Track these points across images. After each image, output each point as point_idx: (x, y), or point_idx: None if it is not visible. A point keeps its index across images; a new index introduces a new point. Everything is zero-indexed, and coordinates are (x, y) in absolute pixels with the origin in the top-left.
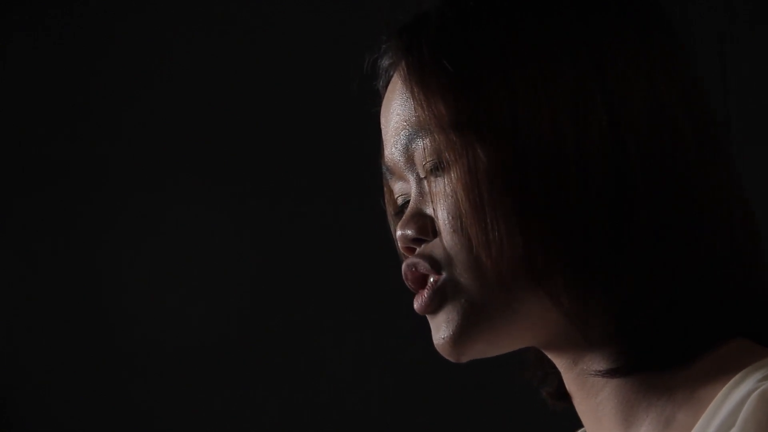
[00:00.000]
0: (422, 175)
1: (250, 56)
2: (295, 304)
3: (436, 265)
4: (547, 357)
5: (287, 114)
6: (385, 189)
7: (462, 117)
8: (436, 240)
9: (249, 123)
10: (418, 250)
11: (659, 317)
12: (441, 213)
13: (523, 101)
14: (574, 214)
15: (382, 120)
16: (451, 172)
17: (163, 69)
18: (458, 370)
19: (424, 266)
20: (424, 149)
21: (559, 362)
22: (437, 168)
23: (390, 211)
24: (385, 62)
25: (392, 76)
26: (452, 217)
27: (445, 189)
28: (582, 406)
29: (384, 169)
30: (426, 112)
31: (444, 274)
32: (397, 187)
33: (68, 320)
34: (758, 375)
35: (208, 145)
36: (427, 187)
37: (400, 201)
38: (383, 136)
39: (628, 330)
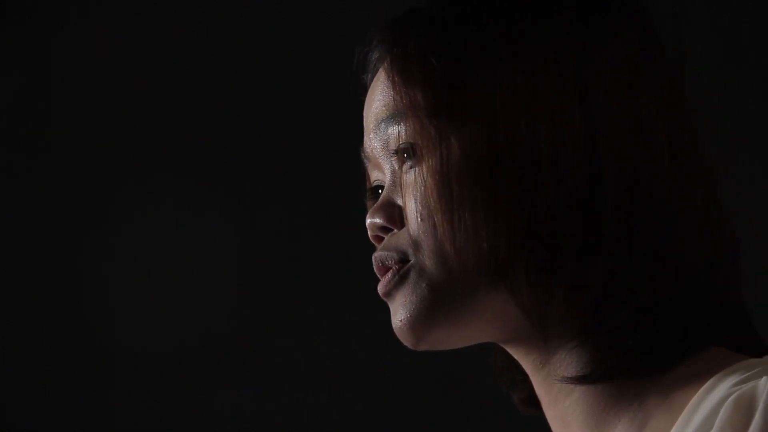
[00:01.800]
0: (396, 166)
1: (250, 56)
2: (295, 304)
3: (404, 257)
4: (518, 363)
5: (288, 112)
6: (366, 178)
7: (439, 106)
8: (404, 230)
9: (248, 122)
10: (385, 239)
11: (628, 325)
12: (410, 202)
13: (503, 98)
14: (542, 213)
15: (365, 110)
16: (423, 162)
17: (158, 67)
18: (458, 371)
19: (392, 259)
20: (399, 134)
21: (526, 364)
22: (410, 157)
23: (367, 196)
24: (373, 56)
25: (379, 69)
26: (420, 206)
27: (415, 178)
28: (550, 411)
29: (363, 157)
30: (404, 100)
31: (411, 260)
32: (374, 176)
33: (62, 322)
34: (731, 380)
35: (207, 143)
36: (399, 177)
37: (373, 185)
38: (364, 125)
39: (595, 336)
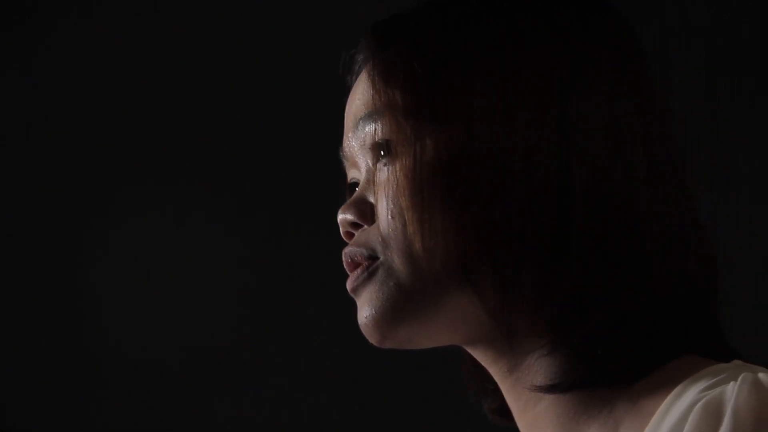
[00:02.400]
0: (371, 163)
1: (251, 56)
2: (295, 304)
3: (373, 254)
4: (488, 372)
5: (288, 112)
6: (344, 172)
7: (417, 107)
8: (374, 227)
9: (248, 122)
10: (355, 235)
11: (596, 335)
12: (381, 199)
13: (480, 104)
14: (511, 219)
15: (346, 110)
16: (397, 161)
17: (158, 67)
18: (458, 371)
19: (362, 255)
20: (375, 131)
21: (494, 371)
22: (385, 155)
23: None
24: (359, 57)
25: (363, 70)
26: (392, 204)
27: (388, 176)
28: (521, 419)
29: (341, 156)
30: (382, 98)
31: (380, 258)
32: (351, 174)
33: (60, 323)
34: (700, 385)
35: (207, 143)
36: (373, 174)
37: (350, 181)
38: (344, 124)
39: (564, 345)
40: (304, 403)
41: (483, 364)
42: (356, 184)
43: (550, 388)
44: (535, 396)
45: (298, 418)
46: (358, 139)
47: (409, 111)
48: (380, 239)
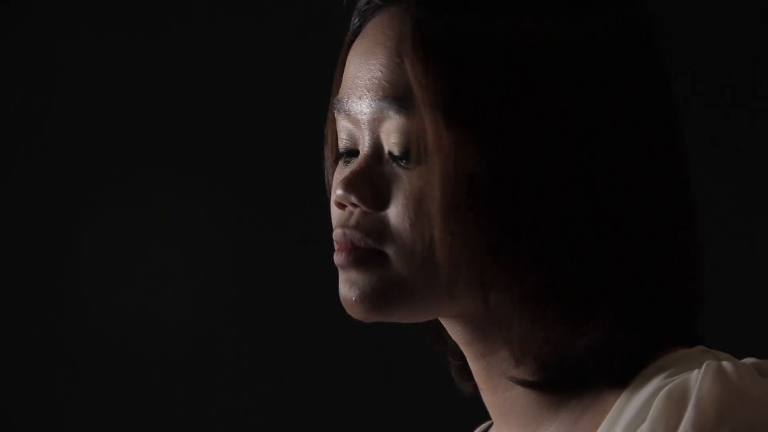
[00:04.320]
0: (387, 148)
1: (245, 48)
2: (295, 304)
3: (380, 240)
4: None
5: (288, 106)
6: (329, 117)
7: (469, 110)
8: (381, 216)
9: (243, 113)
10: (357, 216)
11: (587, 338)
12: (400, 200)
13: (548, 116)
14: (546, 232)
15: (354, 60)
16: (427, 165)
17: (152, 60)
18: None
19: (365, 243)
20: (403, 127)
21: (467, 351)
22: (411, 155)
23: (329, 149)
24: None
25: (382, 15)
26: (413, 212)
27: (414, 180)
28: (488, 397)
29: (335, 102)
30: (422, 90)
31: (387, 253)
32: (345, 130)
33: (53, 321)
34: (662, 373)
35: (202, 138)
36: (388, 165)
37: (342, 146)
38: (348, 74)
39: (560, 359)
40: (302, 402)
41: (454, 339)
42: (352, 152)
43: (526, 383)
44: (506, 381)
45: (297, 418)
46: (374, 112)
47: (456, 114)
48: (391, 236)
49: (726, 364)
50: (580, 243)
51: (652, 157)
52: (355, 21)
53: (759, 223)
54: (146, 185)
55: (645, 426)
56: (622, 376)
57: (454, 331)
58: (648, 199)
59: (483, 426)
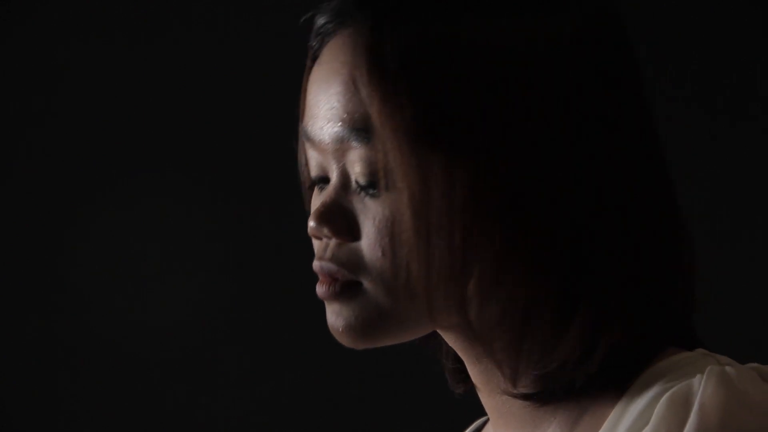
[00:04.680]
0: (353, 177)
1: (242, 50)
2: (294, 304)
3: (355, 271)
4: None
5: (282, 110)
6: (300, 143)
7: (433, 130)
8: (356, 246)
9: (242, 120)
10: (331, 247)
11: (576, 360)
12: (370, 229)
13: (523, 130)
14: (521, 248)
15: (313, 87)
16: (395, 192)
17: (150, 62)
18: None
19: (342, 275)
20: (367, 157)
21: (464, 356)
22: (376, 182)
23: (303, 174)
24: (329, 22)
25: (335, 38)
26: (386, 239)
27: (382, 208)
28: (487, 400)
29: (302, 133)
30: (381, 117)
31: (362, 283)
32: (313, 159)
33: (42, 320)
34: (665, 376)
35: (202, 139)
36: (356, 194)
37: (314, 173)
38: (308, 101)
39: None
40: (301, 402)
41: (451, 345)
42: (324, 179)
43: (520, 396)
44: (504, 383)
45: (297, 417)
46: (336, 143)
47: (419, 140)
48: (366, 266)
49: (729, 369)
50: (559, 256)
51: (630, 159)
52: (312, 44)
53: (759, 223)
54: (146, 186)
55: (648, 429)
56: (617, 381)
57: (449, 338)
58: (628, 201)
59: (479, 421)
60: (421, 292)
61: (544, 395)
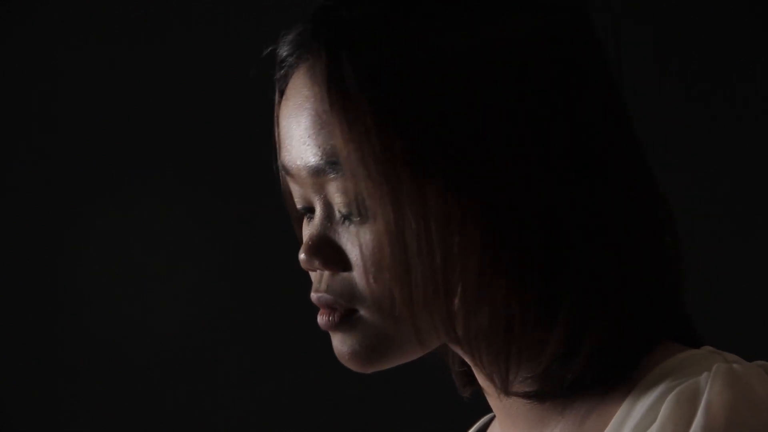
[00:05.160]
0: (336, 207)
1: (242, 51)
2: (294, 304)
3: (350, 300)
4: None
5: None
6: (282, 183)
7: (393, 159)
8: (349, 276)
9: (242, 121)
10: (328, 283)
11: (578, 363)
12: (356, 257)
13: (483, 158)
14: (506, 268)
15: (283, 121)
16: (371, 221)
17: (149, 64)
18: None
19: (339, 305)
20: (344, 189)
21: (467, 359)
22: (353, 213)
23: (290, 211)
24: (292, 54)
25: (297, 71)
26: (371, 266)
27: (361, 236)
28: (493, 401)
29: (280, 165)
30: (347, 148)
31: (359, 311)
32: (297, 192)
33: (41, 322)
34: (672, 374)
35: (202, 140)
36: (341, 223)
37: (298, 205)
38: (282, 136)
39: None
40: (300, 402)
41: (454, 349)
42: (309, 209)
43: (522, 395)
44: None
45: (297, 417)
46: (313, 176)
47: (387, 160)
48: (360, 295)
49: (736, 366)
50: (539, 263)
51: (605, 160)
52: (277, 77)
53: (759, 223)
54: (146, 187)
55: (654, 427)
56: (623, 379)
57: (453, 346)
58: (606, 203)
59: (484, 419)
60: (406, 315)
61: (541, 394)
